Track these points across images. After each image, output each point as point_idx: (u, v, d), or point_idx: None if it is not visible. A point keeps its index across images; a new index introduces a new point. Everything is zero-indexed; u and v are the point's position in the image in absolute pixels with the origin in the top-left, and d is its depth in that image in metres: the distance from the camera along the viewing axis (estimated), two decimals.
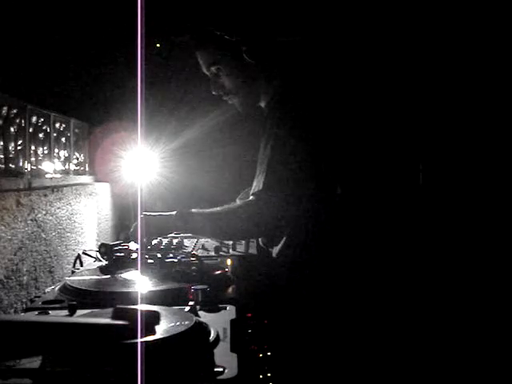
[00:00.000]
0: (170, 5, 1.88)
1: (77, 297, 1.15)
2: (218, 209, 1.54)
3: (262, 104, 1.69)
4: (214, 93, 1.68)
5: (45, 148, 1.58)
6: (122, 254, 1.49)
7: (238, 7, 1.60)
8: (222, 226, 1.55)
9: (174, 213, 1.55)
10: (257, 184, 1.51)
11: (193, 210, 1.55)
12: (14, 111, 1.36)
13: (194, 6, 1.67)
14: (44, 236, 1.46)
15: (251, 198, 1.52)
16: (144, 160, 2.06)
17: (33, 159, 1.49)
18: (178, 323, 0.85)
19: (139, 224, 1.51)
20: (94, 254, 1.69)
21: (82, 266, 1.64)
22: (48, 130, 1.60)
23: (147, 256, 1.48)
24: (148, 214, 1.57)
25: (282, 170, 1.48)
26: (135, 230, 1.59)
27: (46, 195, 1.48)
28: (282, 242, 1.57)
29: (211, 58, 1.62)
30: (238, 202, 1.78)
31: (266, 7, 1.62)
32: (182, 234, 1.89)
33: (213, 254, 1.63)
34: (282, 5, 1.67)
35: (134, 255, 1.50)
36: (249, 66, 1.59)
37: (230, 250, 1.66)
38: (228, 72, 1.61)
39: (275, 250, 1.61)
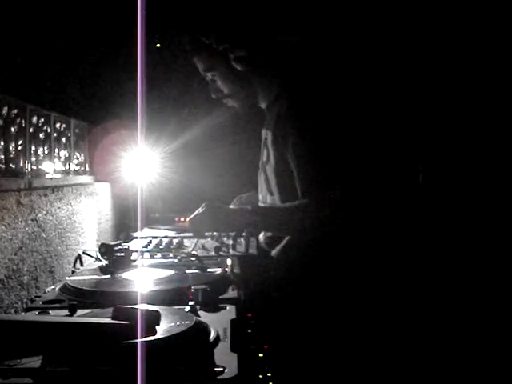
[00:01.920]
0: (175, 6, 1.88)
1: (77, 297, 1.15)
2: (286, 205, 1.51)
3: (263, 105, 1.69)
4: (213, 96, 1.69)
5: (45, 148, 1.58)
6: (122, 254, 1.49)
7: (225, 15, 1.60)
8: (298, 219, 1.49)
9: (246, 206, 1.54)
10: (301, 183, 1.48)
11: (262, 205, 1.56)
12: (15, 111, 1.37)
13: (185, 15, 1.68)
14: (44, 236, 1.46)
15: (304, 199, 1.50)
16: (144, 160, 2.06)
17: (33, 159, 1.49)
18: (178, 323, 0.85)
19: (202, 216, 1.48)
20: (94, 253, 1.69)
21: (82, 265, 1.64)
22: (48, 130, 1.60)
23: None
24: (212, 205, 1.53)
25: (325, 165, 1.47)
26: (197, 222, 1.52)
27: (46, 195, 1.48)
28: (284, 242, 1.57)
29: (205, 65, 1.64)
30: (232, 206, 1.78)
31: (253, 13, 1.62)
32: (182, 234, 1.89)
33: (213, 254, 1.63)
34: (269, 10, 1.67)
35: (133, 255, 1.50)
36: (241, 72, 1.59)
37: (230, 250, 1.67)
38: (222, 78, 1.63)
39: (275, 250, 1.61)
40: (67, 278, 1.33)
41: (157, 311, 0.84)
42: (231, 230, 1.64)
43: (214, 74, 1.62)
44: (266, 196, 1.65)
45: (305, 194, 1.49)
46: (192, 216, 1.55)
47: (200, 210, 1.54)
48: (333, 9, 2.26)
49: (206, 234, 1.62)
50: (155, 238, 1.86)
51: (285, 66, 1.65)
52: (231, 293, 1.19)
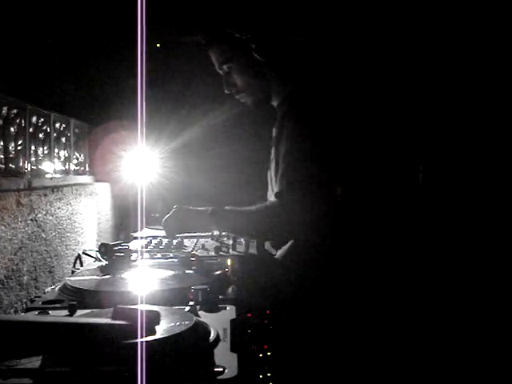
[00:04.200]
0: (181, 4, 1.88)
1: (77, 297, 1.15)
2: (252, 207, 1.55)
3: (275, 103, 1.69)
4: (226, 91, 1.69)
5: (45, 148, 1.58)
6: (122, 254, 1.49)
7: (248, 5, 1.61)
8: (254, 224, 1.57)
9: (207, 208, 1.57)
10: (279, 183, 1.51)
11: (226, 208, 1.58)
12: (14, 111, 1.36)
13: (204, 5, 1.68)
14: (44, 236, 1.46)
15: (274, 199, 1.53)
16: (144, 160, 2.06)
17: (33, 159, 1.49)
18: (178, 323, 0.84)
19: (171, 218, 1.57)
20: (94, 253, 1.69)
21: (82, 265, 1.64)
22: (48, 130, 1.60)
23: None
24: (182, 207, 1.61)
25: (303, 169, 1.48)
26: (168, 223, 1.61)
27: (46, 195, 1.48)
28: (290, 243, 1.57)
29: (223, 56, 1.64)
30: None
31: (275, 5, 1.63)
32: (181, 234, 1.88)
33: (213, 254, 1.63)
34: (291, 4, 1.68)
35: (133, 255, 1.50)
36: (259, 64, 1.60)
37: (230, 250, 1.66)
38: (239, 70, 1.63)
39: (281, 252, 1.61)
40: (67, 278, 1.33)
41: (157, 311, 0.84)
42: (196, 230, 1.71)
43: (231, 66, 1.63)
44: (271, 194, 1.66)
45: (282, 193, 1.50)
46: (164, 218, 1.63)
47: (171, 212, 1.62)
48: (342, 15, 2.26)
49: (178, 235, 1.68)
50: (155, 238, 1.86)
51: (299, 66, 1.66)
52: (231, 293, 1.19)
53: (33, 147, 1.49)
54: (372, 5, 2.30)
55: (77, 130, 1.87)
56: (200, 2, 1.72)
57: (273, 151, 1.66)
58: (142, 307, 0.85)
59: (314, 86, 1.64)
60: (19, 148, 1.40)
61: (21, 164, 1.41)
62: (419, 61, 2.36)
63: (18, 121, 1.39)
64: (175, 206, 1.62)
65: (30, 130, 1.47)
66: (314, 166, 1.49)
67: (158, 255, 1.58)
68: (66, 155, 1.77)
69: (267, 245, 1.70)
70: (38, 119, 1.52)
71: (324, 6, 2.06)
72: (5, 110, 1.31)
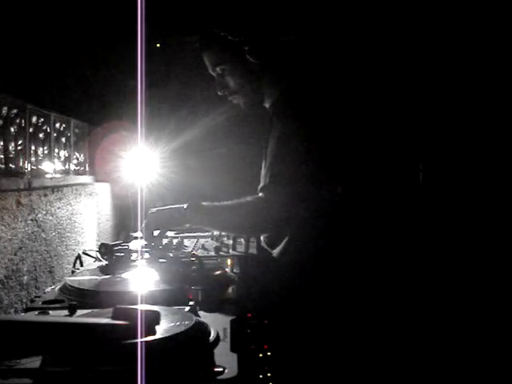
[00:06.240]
0: (176, 7, 1.89)
1: (77, 297, 1.15)
2: (229, 202, 1.56)
3: (267, 104, 1.70)
4: (219, 93, 1.70)
5: (45, 148, 1.57)
6: (122, 254, 1.49)
7: (241, 8, 1.61)
8: (231, 219, 1.58)
9: (184, 205, 1.58)
10: (263, 180, 1.53)
11: (203, 203, 1.58)
12: (14, 111, 1.36)
13: (198, 8, 1.69)
14: (44, 236, 1.46)
15: (259, 194, 1.54)
16: (144, 160, 2.06)
17: (33, 159, 1.49)
18: (178, 323, 0.85)
19: (148, 219, 1.59)
20: (94, 254, 1.69)
21: (82, 265, 1.64)
22: (48, 130, 1.60)
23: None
24: (157, 208, 1.63)
25: (285, 166, 1.49)
26: (146, 226, 1.62)
27: (46, 195, 1.48)
28: (284, 242, 1.57)
29: (216, 59, 1.64)
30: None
31: (267, 8, 1.64)
32: (182, 234, 1.89)
33: (213, 254, 1.63)
34: (283, 5, 1.68)
35: (133, 255, 1.50)
36: (252, 66, 1.60)
37: (230, 250, 1.67)
38: (232, 72, 1.63)
39: (277, 250, 1.61)
40: (67, 278, 1.33)
41: (157, 311, 0.84)
42: (174, 226, 1.75)
43: (224, 68, 1.63)
44: None
45: (267, 188, 1.51)
46: (142, 225, 1.64)
47: (146, 219, 1.64)
48: (336, 12, 2.26)
49: (155, 231, 1.69)
50: (155, 237, 1.86)
51: (291, 67, 1.67)
52: (231, 293, 1.19)
53: (33, 147, 1.49)
54: (367, 2, 2.30)
55: (77, 130, 1.87)
56: (193, 4, 1.72)
57: (264, 151, 1.67)
58: (142, 307, 0.85)
59: (304, 85, 1.64)
60: (19, 148, 1.40)
61: (21, 164, 1.41)
62: (418, 59, 2.36)
63: (17, 121, 1.39)
64: (150, 210, 1.65)
65: (30, 130, 1.47)
66: (299, 163, 1.49)
67: (158, 255, 1.58)
68: (66, 155, 1.77)
69: (262, 243, 1.70)
70: (37, 119, 1.52)
71: (315, 6, 2.06)
72: (5, 109, 1.31)
